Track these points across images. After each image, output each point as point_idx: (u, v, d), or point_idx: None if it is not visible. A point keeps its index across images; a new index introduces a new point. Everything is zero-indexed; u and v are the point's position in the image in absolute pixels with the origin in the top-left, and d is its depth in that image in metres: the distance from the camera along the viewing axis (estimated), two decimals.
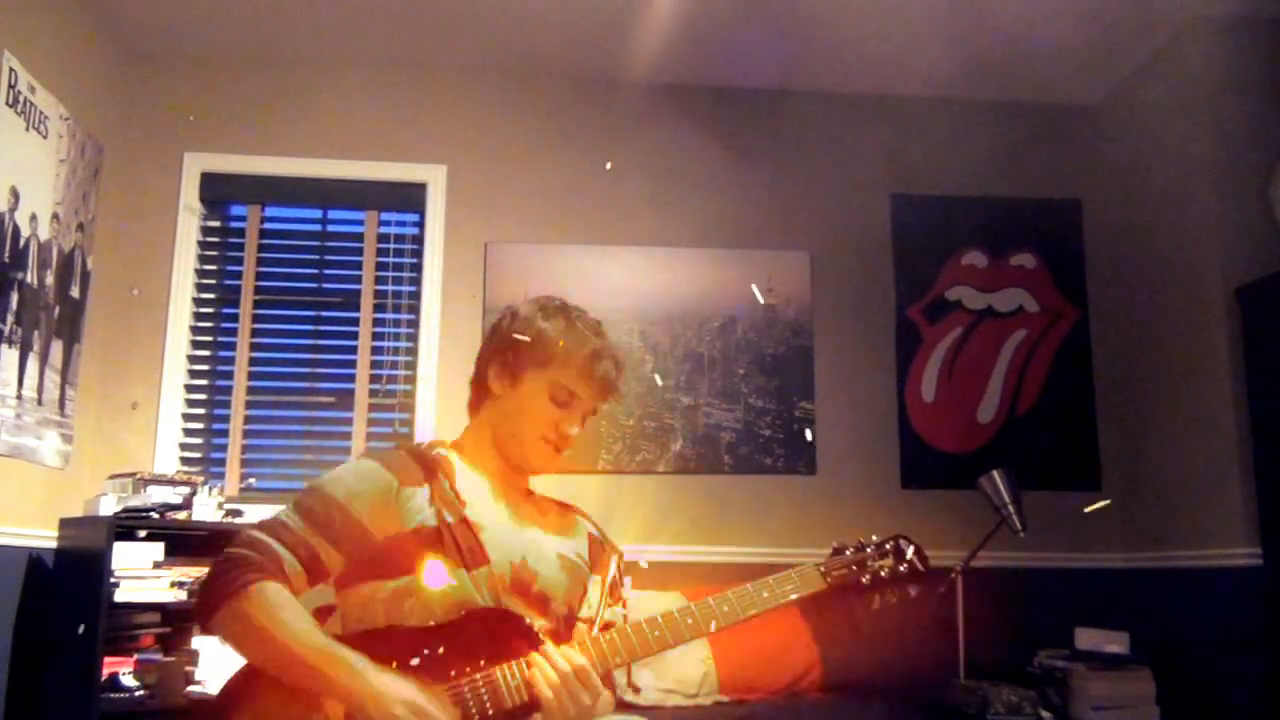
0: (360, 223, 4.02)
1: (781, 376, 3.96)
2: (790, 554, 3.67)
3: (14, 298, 3.10)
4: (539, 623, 1.56)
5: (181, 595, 3.19)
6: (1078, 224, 4.19)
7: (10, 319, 3.08)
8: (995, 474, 3.52)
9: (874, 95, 4.18)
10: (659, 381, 3.82)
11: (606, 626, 1.59)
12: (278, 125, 3.95)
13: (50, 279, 3.33)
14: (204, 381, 3.83)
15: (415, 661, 1.45)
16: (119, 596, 3.07)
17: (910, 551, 1.66)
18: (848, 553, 1.65)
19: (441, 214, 3.94)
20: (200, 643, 3.27)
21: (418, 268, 3.94)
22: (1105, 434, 4.02)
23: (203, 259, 3.90)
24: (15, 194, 3.10)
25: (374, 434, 3.85)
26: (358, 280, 3.96)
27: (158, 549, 3.25)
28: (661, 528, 3.76)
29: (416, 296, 3.92)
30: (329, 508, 1.53)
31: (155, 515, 3.22)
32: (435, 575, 1.51)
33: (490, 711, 1.45)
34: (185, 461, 3.73)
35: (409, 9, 3.64)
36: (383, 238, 3.99)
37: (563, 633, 1.62)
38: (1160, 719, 3.29)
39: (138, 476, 3.34)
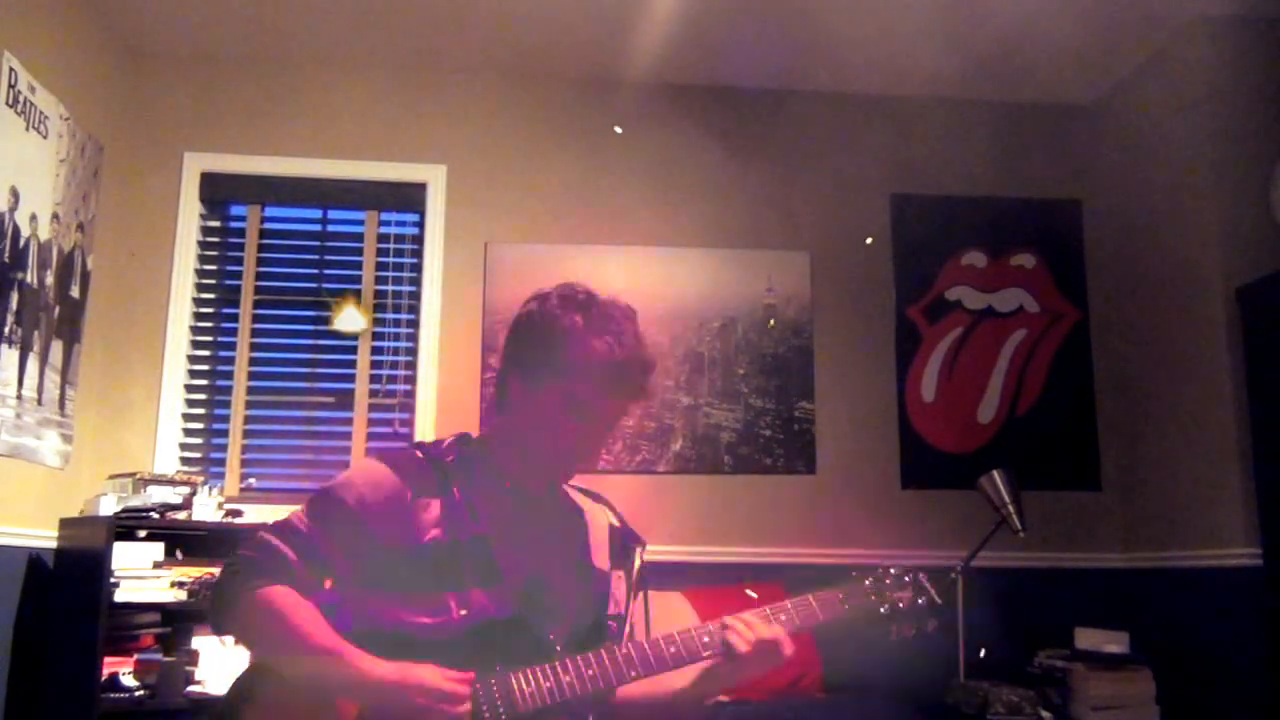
0: (360, 223, 4.02)
1: (781, 376, 3.96)
2: (791, 554, 3.68)
3: (14, 298, 3.10)
4: (554, 632, 1.54)
5: (181, 595, 3.20)
6: (1078, 224, 4.19)
7: (10, 319, 3.08)
8: (995, 474, 3.52)
9: (874, 95, 4.18)
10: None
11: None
12: (278, 125, 3.95)
13: (50, 279, 3.33)
14: (204, 381, 3.83)
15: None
16: (119, 596, 3.07)
17: (929, 586, 1.68)
18: (867, 582, 1.66)
19: (441, 214, 3.94)
20: (200, 643, 3.28)
21: (418, 268, 3.94)
22: (1105, 434, 4.02)
23: (203, 259, 3.90)
24: (15, 194, 3.10)
25: (374, 434, 3.86)
26: (358, 280, 3.96)
27: (158, 549, 3.25)
28: (661, 528, 3.75)
29: (416, 296, 3.92)
30: (339, 513, 1.50)
31: (155, 515, 3.22)
32: (449, 589, 1.49)
33: (521, 708, 1.43)
34: (185, 461, 3.73)
35: (409, 9, 3.64)
36: (383, 238, 3.99)
37: (581, 640, 1.56)
38: (1160, 719, 3.29)
39: (138, 476, 3.34)
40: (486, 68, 4.05)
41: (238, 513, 3.41)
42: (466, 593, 1.49)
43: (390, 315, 3.94)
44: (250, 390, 3.84)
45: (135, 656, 3.14)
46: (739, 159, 4.08)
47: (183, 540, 3.33)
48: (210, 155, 3.89)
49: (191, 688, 3.13)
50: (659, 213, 4.02)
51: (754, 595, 1.63)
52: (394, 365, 3.90)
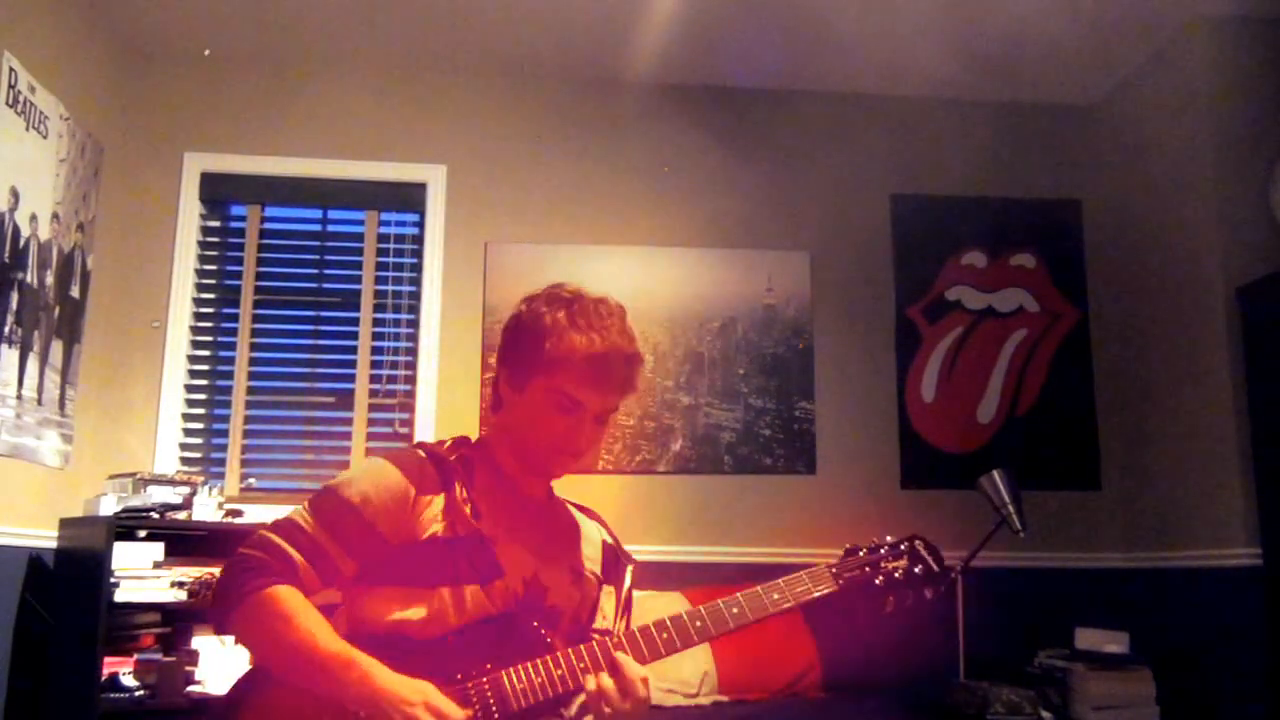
0: (360, 223, 4.02)
1: (781, 376, 3.96)
2: (791, 554, 3.68)
3: (14, 298, 3.10)
4: (549, 632, 1.54)
5: (181, 595, 3.19)
6: (1078, 224, 4.19)
7: (10, 319, 3.08)
8: (995, 474, 3.51)
9: (874, 95, 4.18)
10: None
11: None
12: (278, 125, 3.95)
13: (50, 279, 3.33)
14: (204, 381, 3.83)
15: (421, 667, 1.44)
16: (119, 596, 3.07)
17: (926, 553, 1.62)
18: (861, 553, 1.61)
19: (441, 214, 3.94)
20: (200, 643, 3.28)
21: (418, 268, 3.94)
22: (1105, 434, 4.02)
23: (203, 259, 3.90)
24: (15, 194, 3.10)
25: (374, 434, 3.85)
26: (358, 280, 3.96)
27: (158, 549, 3.25)
28: (661, 528, 3.76)
29: (416, 296, 3.92)
30: (344, 510, 1.50)
31: (155, 515, 3.22)
32: (446, 586, 1.50)
33: (516, 706, 1.44)
34: (185, 461, 3.73)
35: (409, 9, 3.64)
36: (383, 238, 3.99)
37: (574, 645, 1.58)
38: (1160, 719, 3.29)
39: (138, 476, 3.34)
40: (486, 68, 4.05)
41: (238, 513, 3.41)
42: (463, 589, 1.50)
43: (390, 315, 3.94)
44: (250, 390, 3.84)
45: (135, 656, 3.14)
46: (739, 159, 4.08)
47: (183, 540, 3.33)
48: (210, 155, 3.89)
49: (191, 688, 3.13)
50: (659, 213, 4.02)
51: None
52: (394, 365, 3.90)
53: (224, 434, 3.79)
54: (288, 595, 1.43)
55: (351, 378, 3.88)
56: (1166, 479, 3.71)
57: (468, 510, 1.55)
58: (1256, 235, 3.45)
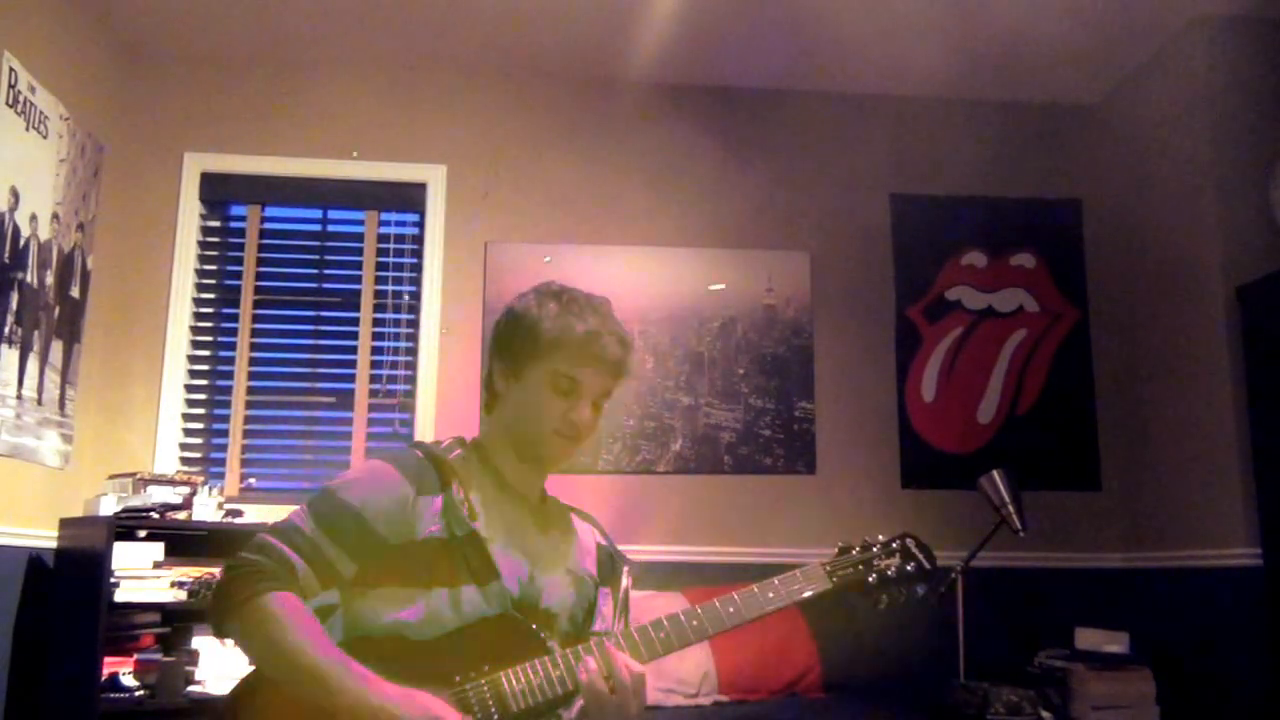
0: (360, 223, 4.02)
1: (781, 376, 3.96)
2: (791, 554, 3.67)
3: (14, 298, 3.10)
4: (545, 632, 1.54)
5: (181, 595, 3.20)
6: (1078, 224, 4.19)
7: (10, 319, 3.08)
8: (995, 474, 3.52)
9: (874, 95, 4.18)
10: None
11: None
12: (278, 125, 3.95)
13: (50, 279, 3.33)
14: (204, 381, 3.83)
15: (418, 668, 1.43)
16: (119, 596, 3.07)
17: (917, 550, 1.63)
18: (854, 552, 1.63)
19: (441, 214, 3.94)
20: (200, 643, 3.28)
21: (418, 268, 3.94)
22: (1105, 434, 4.02)
23: (203, 259, 3.90)
24: (15, 194, 3.10)
25: (374, 434, 3.86)
26: (358, 280, 3.96)
27: (158, 549, 3.25)
28: (661, 528, 3.76)
29: (416, 296, 3.92)
30: (343, 512, 1.50)
31: (155, 515, 3.22)
32: (443, 586, 1.49)
33: (515, 708, 1.44)
34: (185, 461, 3.73)
35: (409, 9, 3.64)
36: (383, 238, 3.99)
37: (571, 645, 1.57)
38: (1160, 719, 3.29)
39: (138, 476, 3.34)
40: (486, 68, 4.05)
41: (238, 513, 3.41)
42: (460, 590, 1.50)
43: (390, 315, 3.94)
44: (250, 390, 3.84)
45: (135, 656, 3.14)
46: (739, 159, 4.08)
47: (183, 540, 3.33)
48: (210, 155, 3.89)
49: (191, 688, 3.13)
50: (659, 213, 4.02)
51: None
52: (394, 365, 3.90)
53: (224, 434, 3.79)
54: (286, 601, 1.42)
55: (351, 378, 3.88)
56: (1166, 479, 3.71)
57: (464, 511, 1.55)
58: (1256, 235, 3.45)
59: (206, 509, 3.34)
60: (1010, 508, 3.46)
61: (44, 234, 3.27)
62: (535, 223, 3.98)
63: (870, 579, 1.60)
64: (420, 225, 3.97)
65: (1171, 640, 3.49)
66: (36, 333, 3.25)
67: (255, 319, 3.89)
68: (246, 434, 3.81)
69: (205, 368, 3.83)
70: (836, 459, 3.91)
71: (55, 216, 3.34)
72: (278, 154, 3.92)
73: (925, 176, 4.15)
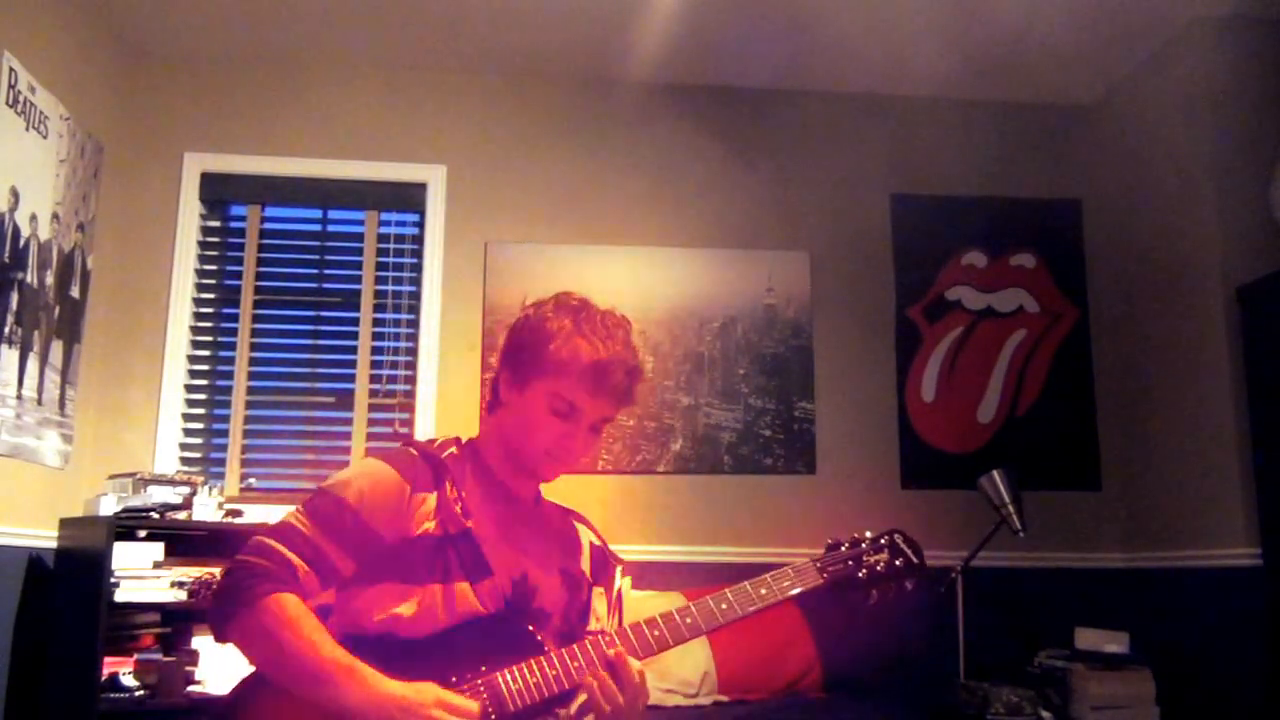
0: (360, 223, 4.02)
1: (781, 376, 3.96)
2: (791, 554, 3.65)
3: (14, 298, 3.10)
4: (540, 631, 1.54)
5: (181, 595, 3.20)
6: (1078, 224, 4.19)
7: (10, 319, 3.08)
8: (995, 474, 3.52)
9: (874, 95, 4.18)
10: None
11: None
12: (278, 125, 3.95)
13: (50, 279, 3.33)
14: (204, 381, 3.83)
15: (412, 668, 1.43)
16: (119, 596, 3.07)
17: (905, 545, 1.66)
18: (843, 548, 1.65)
19: (441, 214, 3.94)
20: (200, 643, 3.28)
21: (418, 268, 3.94)
22: (1105, 434, 4.02)
23: (203, 259, 3.90)
24: (15, 194, 3.10)
25: (374, 434, 3.85)
26: (358, 280, 3.96)
27: (158, 549, 3.25)
28: (661, 528, 3.76)
29: (416, 296, 3.92)
30: (340, 511, 1.50)
31: (155, 515, 3.22)
32: (437, 583, 1.50)
33: (513, 708, 1.45)
34: (185, 461, 3.73)
35: (409, 9, 3.64)
36: (383, 238, 3.99)
37: (565, 644, 1.59)
38: (1160, 719, 3.29)
39: (138, 476, 3.34)
40: (486, 68, 4.05)
41: (238, 513, 3.41)
42: (453, 586, 1.50)
43: (390, 315, 3.94)
44: (250, 390, 3.84)
45: (135, 656, 3.14)
46: (739, 159, 4.08)
47: (183, 540, 3.33)
48: (210, 155, 3.89)
49: (191, 688, 3.14)
50: (659, 213, 4.02)
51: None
52: (394, 365, 3.90)
53: (224, 434, 3.79)
54: (288, 603, 1.42)
55: (351, 378, 3.88)
56: (1166, 479, 3.71)
57: (458, 509, 1.55)
58: (1256, 235, 3.45)
59: (206, 509, 3.34)
60: (1010, 508, 3.47)
61: (44, 234, 3.27)
62: (535, 223, 3.98)
63: (860, 574, 1.63)
64: (420, 225, 3.97)
65: (1171, 640, 3.49)
66: (36, 333, 3.25)
67: (255, 319, 3.89)
68: (246, 434, 3.81)
69: (205, 368, 3.83)
70: (836, 459, 3.91)
71: (55, 216, 3.34)
72: (278, 154, 3.92)
73: (925, 176, 4.15)
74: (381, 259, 3.97)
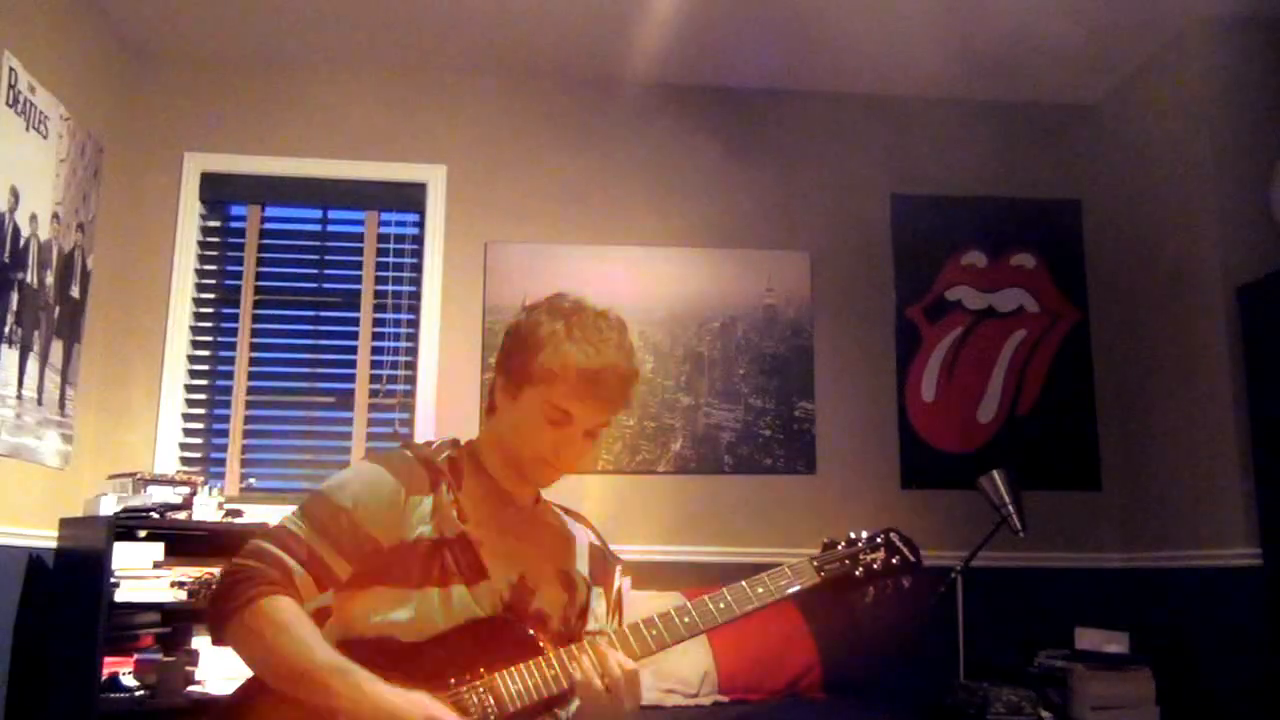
0: (360, 223, 4.02)
1: (781, 376, 3.96)
2: (791, 554, 3.64)
3: (14, 298, 3.10)
4: (538, 633, 1.54)
5: (181, 595, 3.20)
6: (1078, 224, 4.19)
7: (10, 319, 3.08)
8: (995, 474, 3.52)
9: (874, 95, 4.18)
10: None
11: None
12: (278, 125, 3.95)
13: (50, 279, 3.33)
14: (204, 381, 3.83)
15: (410, 670, 1.43)
16: (119, 596, 3.07)
17: (901, 544, 1.67)
18: (840, 547, 1.66)
19: (441, 214, 3.94)
20: (200, 643, 3.28)
21: (418, 268, 3.94)
22: (1105, 434, 4.02)
23: (203, 259, 3.90)
24: (15, 194, 3.10)
25: (374, 434, 3.85)
26: (358, 280, 3.96)
27: (158, 549, 3.25)
28: (661, 528, 3.76)
29: (416, 296, 3.92)
30: (336, 514, 1.50)
31: (155, 515, 3.22)
32: (433, 586, 1.50)
33: (512, 708, 1.45)
34: (185, 461, 3.73)
35: (409, 9, 3.64)
36: (383, 238, 3.99)
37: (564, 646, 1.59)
38: (1160, 719, 3.29)
39: (138, 476, 3.34)
40: (486, 68, 4.05)
41: (238, 513, 3.41)
42: (450, 590, 1.50)
43: (390, 315, 3.94)
44: (250, 390, 3.84)
45: (135, 656, 3.14)
46: (739, 159, 4.08)
47: (183, 540, 3.33)
48: (210, 155, 3.89)
49: (191, 688, 3.13)
50: (659, 213, 4.02)
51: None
52: (394, 365, 3.90)
53: (224, 434, 3.79)
54: (284, 605, 1.42)
55: (351, 378, 3.88)
56: (1166, 479, 3.71)
57: (454, 512, 1.55)
58: (1256, 235, 3.45)
59: (206, 509, 3.34)
60: (1010, 508, 3.47)
61: (44, 234, 3.27)
62: (535, 223, 3.98)
63: (857, 573, 1.63)
64: (420, 225, 3.97)
65: (1171, 640, 3.49)
66: (36, 333, 3.25)
67: (255, 319, 3.89)
68: (246, 434, 3.81)
69: (205, 368, 3.83)
70: (836, 459, 3.91)
71: (55, 216, 3.34)
72: (278, 154, 3.92)
73: (925, 176, 4.15)
74: (381, 259, 3.97)
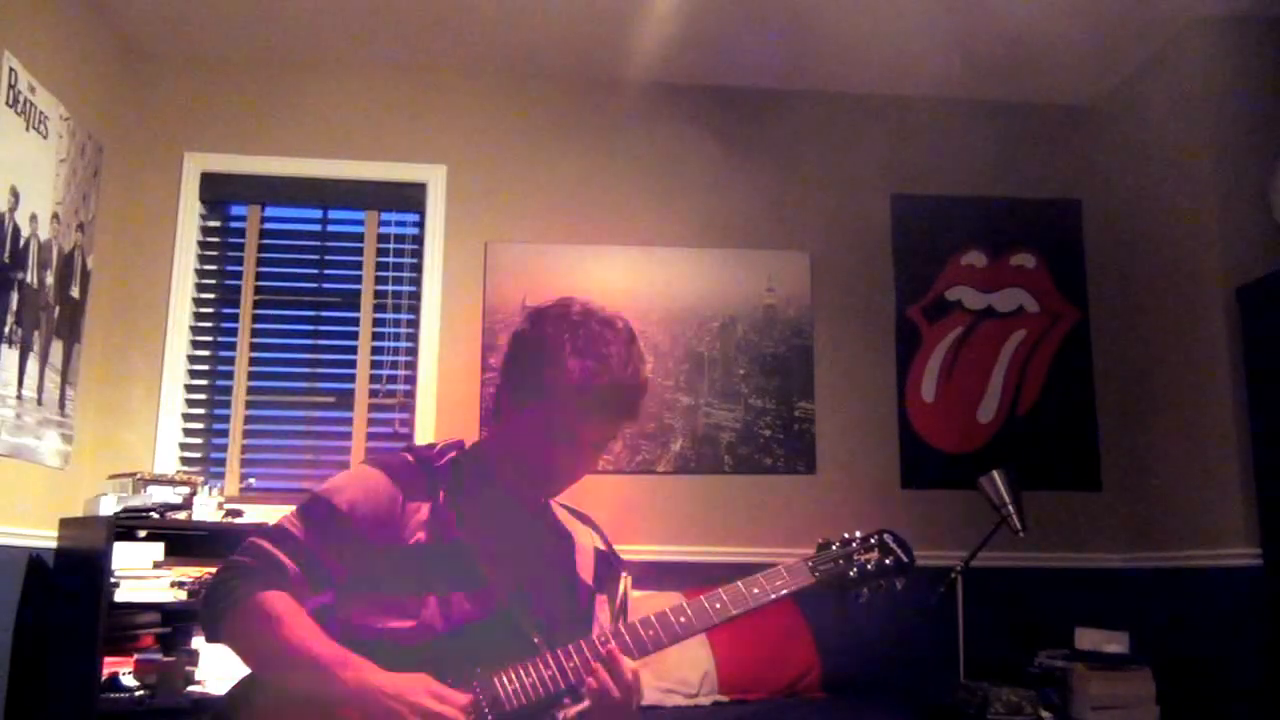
0: (360, 223, 4.02)
1: (781, 376, 3.96)
2: (791, 554, 3.64)
3: (14, 298, 3.10)
4: (537, 637, 1.54)
5: (181, 595, 3.20)
6: (1078, 224, 4.19)
7: (10, 319, 3.08)
8: (995, 474, 3.52)
9: (874, 95, 4.18)
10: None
11: None
12: (278, 125, 3.95)
13: (50, 279, 3.33)
14: (204, 381, 3.83)
15: (410, 672, 1.43)
16: (119, 596, 3.07)
17: (895, 545, 1.68)
18: (834, 547, 1.67)
19: (441, 214, 3.94)
20: (200, 643, 3.28)
21: (418, 268, 3.94)
22: (1105, 434, 4.02)
23: (203, 259, 3.90)
24: (15, 194, 3.10)
25: (374, 434, 3.86)
26: (358, 280, 3.96)
27: (158, 549, 3.26)
28: (661, 528, 3.76)
29: (416, 296, 3.92)
30: (333, 518, 1.50)
31: (155, 515, 3.22)
32: (432, 594, 1.49)
33: (509, 707, 1.45)
34: (185, 461, 3.73)
35: (409, 9, 3.64)
36: (383, 238, 3.99)
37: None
38: (1160, 719, 3.29)
39: (138, 476, 3.34)
40: (486, 68, 4.05)
41: (238, 513, 3.41)
42: (449, 596, 1.50)
43: (390, 315, 3.94)
44: (250, 390, 3.84)
45: (135, 656, 3.14)
46: (739, 159, 4.08)
47: (183, 540, 3.33)
48: (210, 155, 3.89)
49: (191, 688, 3.14)
50: (659, 213, 4.02)
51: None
52: (394, 365, 3.90)
53: (224, 434, 3.79)
54: (278, 600, 1.43)
55: (351, 378, 3.88)
56: (1166, 479, 3.70)
57: (453, 519, 1.54)
58: (1256, 235, 3.45)
59: (206, 509, 3.34)
60: (1010, 508, 3.47)
61: (44, 234, 3.27)
62: (535, 223, 3.98)
63: (851, 573, 1.64)
64: (420, 225, 3.97)
65: (1171, 640, 3.49)
66: (36, 333, 3.25)
67: (255, 319, 3.89)
68: (246, 434, 3.81)
69: (205, 368, 3.83)
70: (836, 459, 3.91)
71: (55, 216, 3.34)
72: (278, 154, 3.92)
73: (925, 176, 4.15)
74: (381, 259, 3.97)
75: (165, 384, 3.73)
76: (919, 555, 1.70)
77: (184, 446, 3.74)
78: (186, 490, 3.34)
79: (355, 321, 3.92)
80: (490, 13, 3.66)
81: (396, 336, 3.93)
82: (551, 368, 1.53)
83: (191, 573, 3.26)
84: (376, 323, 3.93)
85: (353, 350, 3.90)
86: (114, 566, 3.04)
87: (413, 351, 3.88)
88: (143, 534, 3.23)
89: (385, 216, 4.01)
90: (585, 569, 1.69)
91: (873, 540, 1.68)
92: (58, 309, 3.39)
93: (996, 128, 4.18)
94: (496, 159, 4.01)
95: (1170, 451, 3.69)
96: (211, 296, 3.89)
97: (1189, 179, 3.63)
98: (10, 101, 3.05)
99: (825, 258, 4.06)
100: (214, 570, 3.19)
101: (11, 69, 3.04)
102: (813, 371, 3.97)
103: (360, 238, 4.00)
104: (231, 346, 3.85)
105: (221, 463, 3.76)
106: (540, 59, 3.99)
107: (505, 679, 1.46)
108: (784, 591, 1.59)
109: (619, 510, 3.71)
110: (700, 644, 3.23)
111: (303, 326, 3.94)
